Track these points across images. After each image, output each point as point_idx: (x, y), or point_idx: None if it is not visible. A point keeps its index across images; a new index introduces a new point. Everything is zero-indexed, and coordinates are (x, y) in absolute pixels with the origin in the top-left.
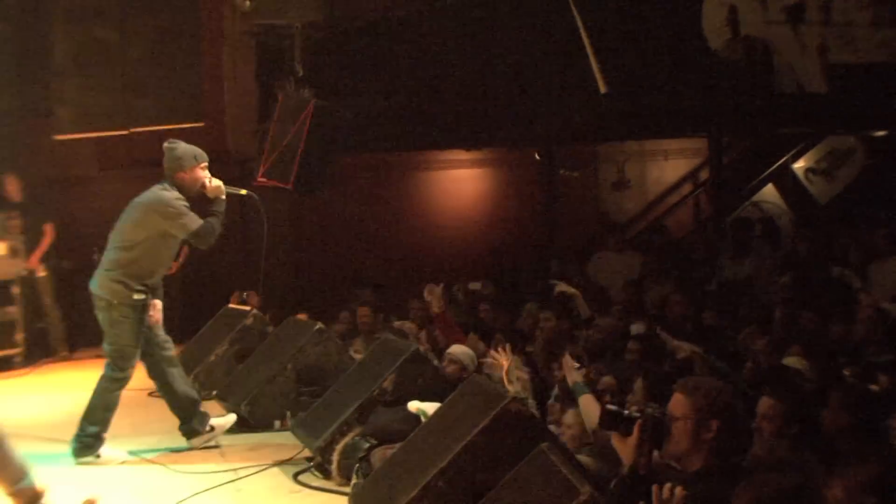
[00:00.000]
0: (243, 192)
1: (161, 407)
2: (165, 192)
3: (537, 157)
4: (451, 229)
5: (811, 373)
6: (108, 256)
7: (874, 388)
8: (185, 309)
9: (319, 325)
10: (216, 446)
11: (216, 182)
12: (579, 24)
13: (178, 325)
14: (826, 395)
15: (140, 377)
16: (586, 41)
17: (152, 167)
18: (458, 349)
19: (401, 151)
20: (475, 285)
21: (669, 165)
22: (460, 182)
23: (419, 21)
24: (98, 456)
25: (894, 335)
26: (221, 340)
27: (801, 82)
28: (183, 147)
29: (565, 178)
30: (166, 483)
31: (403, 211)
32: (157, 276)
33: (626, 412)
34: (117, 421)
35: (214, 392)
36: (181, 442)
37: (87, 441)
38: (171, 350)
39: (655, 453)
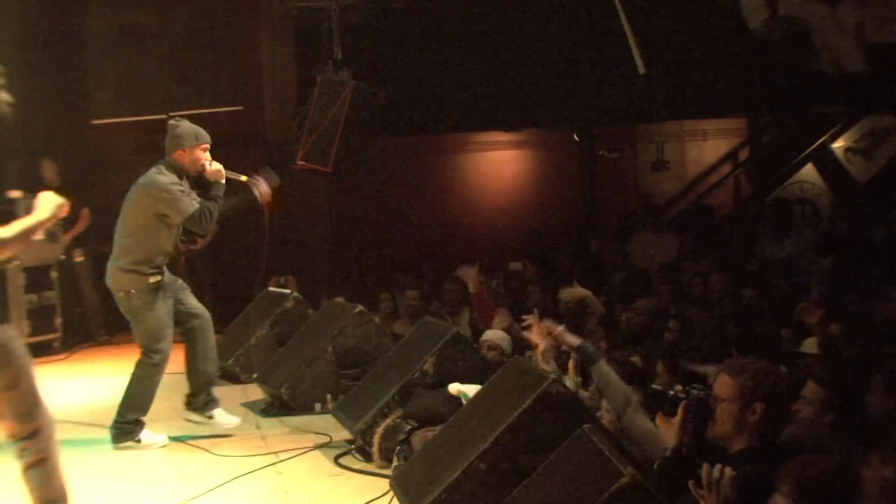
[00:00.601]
0: (244, 178)
1: None
2: (160, 177)
3: (576, 138)
4: (490, 211)
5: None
6: (116, 245)
7: None
8: (219, 294)
9: (359, 307)
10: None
11: (216, 165)
12: (618, 4)
13: (211, 309)
14: (867, 376)
15: (177, 360)
16: (625, 21)
17: None
18: (493, 335)
19: (440, 133)
20: (515, 265)
21: (708, 146)
22: (499, 163)
23: (457, 2)
24: (138, 441)
25: None
26: (262, 323)
27: (840, 62)
28: (185, 125)
29: (604, 158)
30: (207, 467)
31: (443, 193)
32: (164, 257)
33: (671, 393)
34: (157, 405)
35: (255, 375)
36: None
37: (127, 427)
38: (202, 319)
39: None
